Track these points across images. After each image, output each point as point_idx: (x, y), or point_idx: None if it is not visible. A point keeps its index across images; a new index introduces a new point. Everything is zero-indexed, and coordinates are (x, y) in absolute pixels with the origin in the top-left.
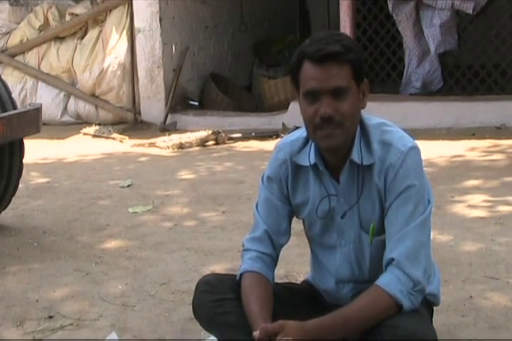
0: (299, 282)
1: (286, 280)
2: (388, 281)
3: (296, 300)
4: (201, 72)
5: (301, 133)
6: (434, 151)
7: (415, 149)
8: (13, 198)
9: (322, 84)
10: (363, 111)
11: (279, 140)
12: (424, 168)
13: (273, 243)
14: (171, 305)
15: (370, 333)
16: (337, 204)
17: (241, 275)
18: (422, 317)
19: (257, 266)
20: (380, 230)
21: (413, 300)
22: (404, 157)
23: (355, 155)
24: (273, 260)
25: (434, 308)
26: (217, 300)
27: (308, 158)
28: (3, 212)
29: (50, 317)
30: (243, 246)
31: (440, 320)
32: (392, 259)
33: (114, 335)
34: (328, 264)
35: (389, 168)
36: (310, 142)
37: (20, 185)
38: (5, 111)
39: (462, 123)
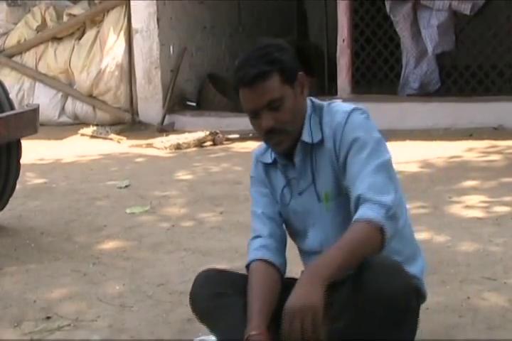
0: None
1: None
2: (362, 213)
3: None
4: (199, 72)
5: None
6: (431, 152)
7: (359, 109)
8: (11, 199)
9: (256, 103)
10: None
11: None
12: (422, 169)
13: (273, 223)
14: (168, 306)
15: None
16: (297, 184)
17: (248, 266)
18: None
19: (262, 253)
20: (334, 196)
21: (390, 224)
22: (348, 115)
23: (305, 136)
24: (279, 242)
25: (429, 310)
26: (214, 294)
27: (270, 155)
28: (0, 213)
29: (48, 317)
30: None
31: (437, 320)
32: (359, 195)
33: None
34: (307, 248)
35: (336, 128)
36: None
37: (17, 186)
38: (2, 111)
39: (460, 123)
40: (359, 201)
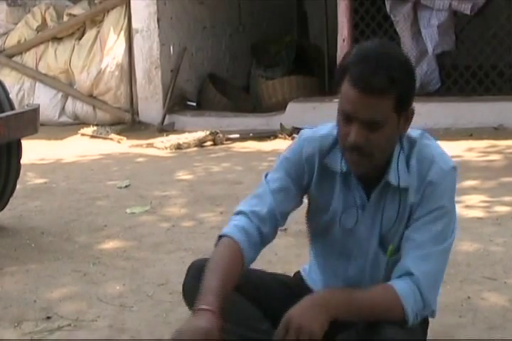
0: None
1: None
2: (406, 292)
3: (285, 295)
4: (199, 72)
5: (331, 129)
6: None
7: (455, 170)
8: (11, 199)
9: (357, 112)
10: None
11: (304, 130)
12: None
13: (272, 222)
14: (168, 306)
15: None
16: (362, 220)
17: (220, 237)
18: (414, 334)
19: (240, 236)
20: (397, 251)
21: (416, 320)
22: (445, 176)
23: (392, 177)
24: (262, 240)
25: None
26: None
27: (340, 163)
28: (0, 213)
29: (48, 317)
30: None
31: (438, 320)
32: (412, 273)
33: None
34: (337, 271)
35: (428, 184)
36: None
37: (17, 186)
38: (2, 111)
39: (460, 123)
40: (409, 276)
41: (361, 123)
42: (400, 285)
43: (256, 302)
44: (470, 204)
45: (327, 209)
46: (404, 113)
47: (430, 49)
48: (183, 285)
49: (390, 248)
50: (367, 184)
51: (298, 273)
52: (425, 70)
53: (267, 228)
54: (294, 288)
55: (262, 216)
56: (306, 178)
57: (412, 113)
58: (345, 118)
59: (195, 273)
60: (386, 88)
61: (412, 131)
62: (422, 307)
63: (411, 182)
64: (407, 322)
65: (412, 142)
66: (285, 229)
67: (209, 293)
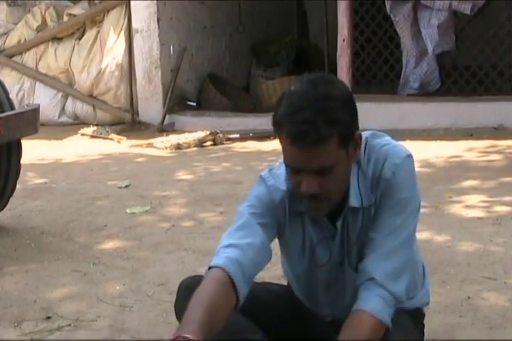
0: None
1: (284, 281)
2: (378, 307)
3: (279, 308)
4: (199, 72)
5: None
6: (431, 152)
7: (408, 158)
8: (11, 199)
9: (303, 165)
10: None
11: (264, 173)
12: (421, 169)
13: (266, 252)
14: (168, 306)
15: None
16: (334, 250)
17: (209, 268)
18: (409, 332)
19: (235, 271)
20: None
21: (391, 316)
22: (397, 169)
23: (353, 201)
24: (254, 270)
25: (430, 310)
26: None
27: (304, 204)
28: (0, 213)
29: (48, 317)
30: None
31: (438, 320)
32: (374, 279)
33: None
34: (320, 297)
35: (383, 182)
36: None
37: (17, 186)
38: (2, 111)
39: (460, 123)
40: (373, 281)
41: (310, 173)
42: (369, 302)
43: (247, 313)
44: (470, 204)
45: (302, 248)
46: (350, 144)
47: (430, 49)
48: (175, 306)
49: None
50: (331, 213)
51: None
52: (425, 70)
53: (260, 259)
54: (286, 298)
55: (256, 247)
56: (280, 221)
57: (359, 137)
58: (293, 171)
59: (185, 293)
60: (325, 135)
61: (376, 138)
62: (394, 303)
63: (371, 197)
64: (389, 329)
65: (373, 151)
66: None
67: (191, 323)
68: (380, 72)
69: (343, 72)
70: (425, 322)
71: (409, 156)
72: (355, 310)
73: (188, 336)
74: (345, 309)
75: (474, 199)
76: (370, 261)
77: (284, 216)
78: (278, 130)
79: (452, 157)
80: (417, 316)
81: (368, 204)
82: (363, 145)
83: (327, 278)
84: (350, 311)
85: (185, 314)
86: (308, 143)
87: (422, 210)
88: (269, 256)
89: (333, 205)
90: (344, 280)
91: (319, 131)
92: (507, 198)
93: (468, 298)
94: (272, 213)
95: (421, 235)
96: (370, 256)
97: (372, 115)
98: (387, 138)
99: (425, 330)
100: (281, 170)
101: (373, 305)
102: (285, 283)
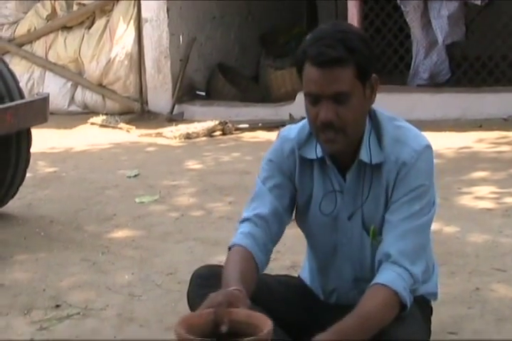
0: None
1: (293, 271)
2: (392, 279)
3: (289, 296)
4: (208, 62)
5: (305, 122)
6: (441, 143)
7: (429, 149)
8: (21, 188)
9: (322, 88)
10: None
11: (282, 129)
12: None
13: (277, 220)
14: (177, 295)
15: None
16: (341, 203)
17: (229, 248)
18: (417, 324)
19: (247, 242)
20: (381, 232)
21: (410, 299)
22: (418, 156)
23: (363, 155)
24: (271, 240)
25: (438, 301)
26: (208, 294)
27: (315, 150)
28: (10, 202)
29: (57, 306)
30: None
31: (446, 311)
32: (389, 255)
33: None
34: (328, 264)
35: (402, 166)
36: None
37: (27, 175)
38: (12, 100)
39: (469, 114)
40: (388, 259)
41: (328, 99)
42: (384, 276)
43: (259, 301)
44: (479, 196)
45: (310, 199)
46: (368, 82)
47: (440, 39)
48: (188, 294)
49: (372, 228)
50: (342, 167)
51: (298, 276)
52: (435, 61)
53: (274, 226)
54: (295, 287)
55: (266, 216)
56: (291, 171)
57: (376, 82)
58: (312, 99)
59: (199, 281)
60: (344, 58)
61: (384, 112)
62: (412, 283)
63: (385, 159)
64: (405, 305)
65: (385, 123)
66: (293, 220)
67: (233, 282)
68: (389, 63)
69: None
70: (433, 312)
71: (430, 146)
72: (370, 286)
73: (236, 288)
74: (349, 282)
75: (484, 190)
76: (387, 241)
77: (295, 166)
78: (302, 56)
79: (461, 148)
80: (424, 307)
81: (376, 163)
82: (379, 118)
83: (332, 236)
84: (354, 286)
85: (223, 279)
86: (329, 61)
87: (437, 203)
88: (281, 220)
89: (346, 145)
90: (348, 239)
91: (339, 52)
92: None
93: (477, 289)
94: (283, 169)
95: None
96: (388, 237)
97: (382, 105)
98: (408, 124)
99: (433, 321)
100: (296, 125)
101: (388, 277)
102: (293, 274)
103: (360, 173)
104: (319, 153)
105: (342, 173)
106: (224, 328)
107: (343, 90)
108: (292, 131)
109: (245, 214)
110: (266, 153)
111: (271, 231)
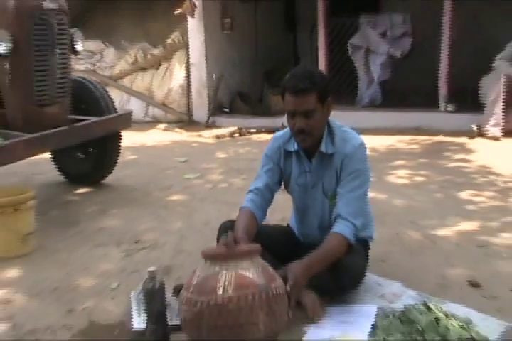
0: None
1: (283, 222)
2: (343, 229)
3: (280, 238)
4: (231, 90)
5: (288, 129)
6: (376, 142)
7: (363, 145)
8: (115, 168)
9: (296, 108)
10: (332, 116)
11: (275, 133)
12: (370, 153)
13: (269, 191)
14: (210, 237)
15: (333, 272)
16: (309, 178)
17: (240, 209)
18: (360, 256)
19: (250, 205)
20: (335, 197)
21: (354, 239)
22: (355, 150)
23: (323, 148)
24: (266, 203)
25: (371, 243)
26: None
27: (293, 146)
28: (108, 177)
29: (136, 242)
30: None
31: (378, 248)
32: (341, 215)
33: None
34: (304, 218)
35: (345, 156)
36: None
37: (118, 160)
38: (110, 114)
39: (394, 125)
40: (340, 217)
41: (300, 115)
42: (339, 227)
43: (265, 246)
44: (400, 176)
45: (290, 176)
46: (325, 103)
47: (375, 78)
48: (217, 237)
49: (330, 194)
50: (310, 156)
51: (288, 225)
52: (373, 91)
53: (267, 195)
54: (285, 232)
55: (262, 188)
56: (278, 160)
57: (331, 103)
58: (290, 114)
59: (224, 230)
60: (309, 88)
61: (337, 122)
62: (355, 230)
63: (335, 151)
64: (351, 244)
65: (336, 129)
66: (283, 190)
67: (240, 231)
68: (344, 91)
69: None
70: (371, 248)
71: (363, 144)
72: (329, 233)
73: (243, 236)
74: (316, 230)
75: (402, 172)
76: (339, 207)
77: (280, 156)
78: (283, 88)
79: (389, 146)
80: (365, 245)
81: (330, 153)
82: (332, 127)
83: (305, 199)
84: (319, 232)
85: (234, 228)
86: (299, 91)
87: (371, 180)
88: (272, 191)
89: (313, 142)
90: (315, 201)
91: (306, 85)
92: (422, 172)
93: (397, 234)
94: (273, 159)
95: (370, 195)
96: (339, 204)
97: (338, 119)
98: (350, 129)
99: (370, 254)
100: (283, 131)
101: (340, 228)
102: (284, 224)
103: (321, 159)
104: (296, 147)
105: (310, 160)
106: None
107: (309, 109)
108: (280, 134)
109: (250, 188)
110: (265, 149)
111: (265, 198)
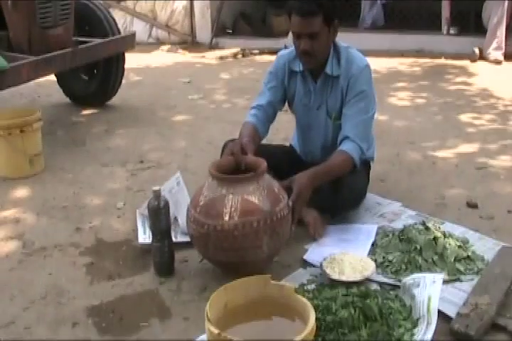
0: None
1: (285, 142)
2: (350, 148)
3: (283, 156)
4: (234, 11)
5: (293, 48)
6: (378, 64)
7: (368, 67)
8: (120, 89)
9: (302, 30)
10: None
11: (280, 51)
12: (373, 74)
13: (271, 108)
14: (213, 156)
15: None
16: (314, 99)
17: (244, 123)
18: (362, 176)
19: (253, 120)
20: (338, 118)
21: (359, 162)
22: (361, 71)
23: (328, 69)
24: (268, 119)
25: (372, 163)
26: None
27: (298, 66)
28: (113, 98)
29: (141, 161)
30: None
31: (378, 168)
32: (348, 137)
33: (178, 174)
34: (307, 137)
35: (351, 76)
36: None
37: (122, 81)
38: (114, 35)
39: (395, 47)
40: (348, 138)
41: (305, 36)
42: (346, 145)
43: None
44: (401, 97)
45: (294, 95)
46: (331, 25)
47: (378, 0)
48: (221, 155)
49: (333, 115)
50: (315, 77)
51: (290, 144)
52: (375, 13)
53: (269, 111)
54: (288, 151)
55: (264, 105)
56: (283, 78)
57: (337, 25)
58: (296, 36)
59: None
60: (315, 10)
61: (343, 43)
62: (361, 153)
63: (341, 73)
64: (356, 165)
65: (342, 50)
66: (286, 110)
67: (245, 137)
68: (347, 14)
69: None
70: (371, 168)
71: (369, 65)
72: (336, 150)
73: (248, 139)
74: (319, 148)
75: (403, 94)
76: (345, 128)
77: (285, 74)
78: (290, 8)
79: (390, 68)
80: (367, 166)
81: (336, 75)
82: (339, 47)
83: (309, 119)
84: (321, 151)
85: (239, 136)
86: (305, 13)
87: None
88: (275, 107)
89: (317, 64)
90: (318, 121)
91: (312, 7)
92: (423, 94)
93: (397, 154)
94: (277, 77)
95: None
96: (346, 125)
97: (342, 40)
98: (356, 50)
99: (371, 173)
100: (287, 50)
101: (348, 147)
102: (286, 143)
103: (325, 80)
104: (301, 68)
105: (315, 80)
106: (243, 166)
107: (315, 31)
108: (286, 52)
109: (254, 104)
110: (268, 68)
111: (267, 114)
